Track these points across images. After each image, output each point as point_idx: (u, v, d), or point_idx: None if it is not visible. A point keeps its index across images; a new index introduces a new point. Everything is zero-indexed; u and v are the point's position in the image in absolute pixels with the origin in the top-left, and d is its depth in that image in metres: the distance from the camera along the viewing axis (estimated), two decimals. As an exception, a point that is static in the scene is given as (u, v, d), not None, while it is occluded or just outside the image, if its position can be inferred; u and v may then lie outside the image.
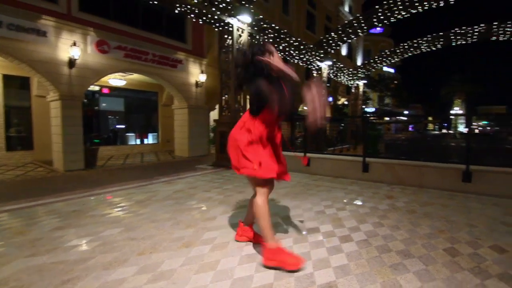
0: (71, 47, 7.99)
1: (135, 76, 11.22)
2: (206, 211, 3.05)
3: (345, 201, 3.48)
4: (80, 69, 8.32)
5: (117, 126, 12.75)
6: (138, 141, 13.34)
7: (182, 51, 11.21)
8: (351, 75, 14.30)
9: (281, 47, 8.68)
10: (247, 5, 5.93)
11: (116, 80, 11.19)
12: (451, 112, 43.87)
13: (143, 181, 4.67)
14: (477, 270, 1.81)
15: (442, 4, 7.85)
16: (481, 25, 10.74)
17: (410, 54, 13.07)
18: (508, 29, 10.32)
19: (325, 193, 3.88)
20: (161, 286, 1.63)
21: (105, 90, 11.85)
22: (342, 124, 14.66)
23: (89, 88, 9.60)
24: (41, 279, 1.70)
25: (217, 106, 13.65)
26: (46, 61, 7.63)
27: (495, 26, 10.42)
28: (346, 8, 25.27)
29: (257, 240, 2.18)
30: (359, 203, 3.40)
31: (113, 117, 12.68)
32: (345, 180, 4.76)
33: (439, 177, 4.11)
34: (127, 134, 12.97)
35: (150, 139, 13.78)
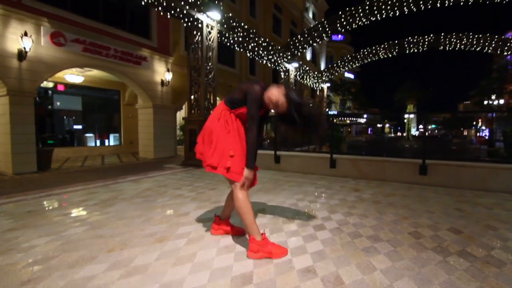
0: (21, 38, 7.28)
1: (95, 72, 10.54)
2: (179, 207, 2.96)
3: (315, 194, 3.59)
4: (31, 63, 7.61)
5: (74, 127, 11.86)
6: (98, 143, 12.52)
7: (147, 48, 10.78)
8: (316, 78, 14.84)
9: (250, 47, 8.75)
10: (216, 2, 5.89)
11: (73, 76, 10.40)
12: (405, 116, 47.38)
13: (107, 180, 4.40)
14: (439, 249, 1.97)
15: (398, 13, 8.50)
16: (431, 35, 11.82)
17: (369, 60, 13.95)
18: (453, 40, 11.46)
19: (296, 188, 3.97)
20: (136, 280, 1.54)
21: (60, 87, 10.96)
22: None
23: (42, 85, 8.84)
24: (-4, 281, 1.52)
25: (184, 106, 13.36)
26: (-9, 52, 6.88)
27: (442, 37, 11.51)
28: (310, 15, 26.26)
29: (235, 232, 2.17)
30: (329, 196, 3.53)
31: (69, 116, 11.77)
32: (314, 176, 4.91)
33: (399, 171, 4.42)
34: (86, 135, 12.12)
35: (111, 141, 13.01)
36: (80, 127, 11.98)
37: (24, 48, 7.34)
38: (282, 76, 11.87)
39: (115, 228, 2.32)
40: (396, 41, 12.51)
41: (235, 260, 1.78)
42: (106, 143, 12.83)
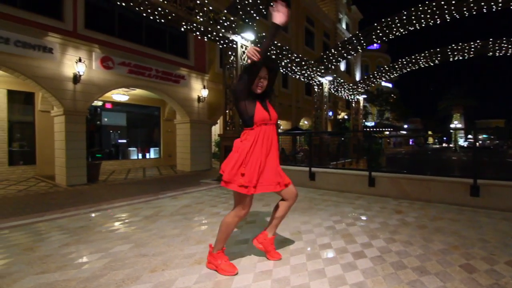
0: (76, 63, 8.11)
1: (138, 91, 11.34)
2: (215, 227, 3.01)
3: (354, 216, 3.45)
4: (84, 85, 8.42)
5: (119, 141, 12.76)
6: (140, 156, 13.32)
7: (185, 67, 11.39)
8: (351, 90, 14.49)
9: (283, 63, 8.84)
10: (250, 23, 6.10)
11: (120, 95, 11.30)
12: (451, 126, 44.13)
13: (149, 196, 4.64)
14: (496, 287, 1.78)
15: (438, 21, 8.08)
16: (477, 41, 11.02)
17: (408, 69, 13.32)
18: (504, 45, 10.57)
19: (332, 208, 3.85)
20: (178, 305, 1.60)
21: (108, 105, 11.94)
22: (343, 138, 14.73)
23: (93, 104, 9.68)
24: (54, 297, 1.67)
25: (219, 121, 13.77)
26: (52, 77, 7.74)
27: (490, 43, 10.68)
28: (344, 25, 25.94)
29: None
30: (369, 218, 3.37)
31: (115, 131, 12.72)
32: (351, 195, 4.74)
33: (447, 192, 4.10)
34: (129, 148, 12.97)
35: (152, 154, 13.77)
36: (124, 141, 12.85)
37: (79, 72, 8.15)
38: (316, 89, 11.77)
39: (156, 247, 2.43)
40: (438, 49, 11.84)
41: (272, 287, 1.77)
42: (147, 156, 13.59)
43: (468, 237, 2.69)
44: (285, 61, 8.75)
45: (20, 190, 7.32)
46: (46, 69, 7.65)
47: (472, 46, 11.15)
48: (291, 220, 3.22)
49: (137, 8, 4.97)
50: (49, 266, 2.07)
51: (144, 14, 5.14)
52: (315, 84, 11.61)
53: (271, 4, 2.10)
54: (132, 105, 12.63)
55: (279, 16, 1.95)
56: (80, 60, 8.20)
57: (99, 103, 11.43)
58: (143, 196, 4.63)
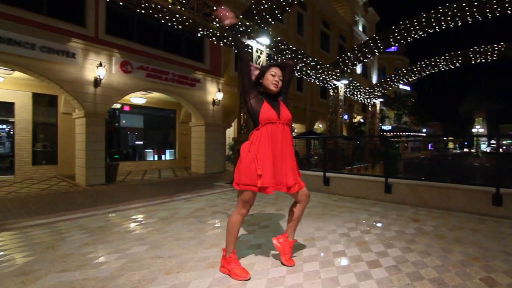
0: (97, 68, 8.41)
1: (155, 94, 11.61)
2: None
3: (369, 223, 3.39)
4: (104, 88, 8.71)
5: (136, 142, 13.09)
6: (156, 157, 13.60)
7: (200, 71, 11.57)
8: (367, 94, 14.26)
9: (298, 67, 8.83)
10: (265, 28, 6.14)
11: (137, 98, 11.61)
12: (473, 130, 42.54)
13: (164, 198, 4.74)
14: (520, 302, 1.70)
15: (460, 23, 7.84)
16: (501, 43, 10.60)
17: (427, 72, 12.97)
18: (530, 47, 10.11)
19: (347, 214, 3.80)
20: (191, 308, 1.63)
21: (126, 108, 12.29)
22: (358, 142, 14.51)
23: (112, 106, 9.99)
24: (74, 296, 1.73)
25: (233, 124, 13.88)
26: (74, 80, 8.06)
27: (516, 45, 10.24)
28: (360, 28, 25.60)
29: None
30: (384, 226, 3.31)
31: (132, 133, 13.07)
32: (367, 201, 4.65)
33: (467, 200, 3.96)
34: (146, 150, 13.27)
35: (167, 155, 14.03)
36: (141, 143, 13.17)
37: (99, 76, 8.44)
38: (331, 93, 11.66)
39: (172, 249, 2.48)
40: (459, 51, 11.47)
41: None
42: (163, 158, 13.86)
43: (490, 248, 2.59)
44: (300, 65, 8.73)
45: (42, 189, 7.64)
46: (69, 73, 7.97)
47: (496, 48, 10.74)
48: (304, 226, 3.20)
49: (155, 15, 5.12)
50: (70, 265, 2.15)
51: (163, 21, 5.28)
52: (330, 87, 11.51)
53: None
54: (149, 107, 12.94)
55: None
56: (100, 64, 8.49)
57: (118, 106, 11.78)
58: (159, 198, 4.73)
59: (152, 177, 10.40)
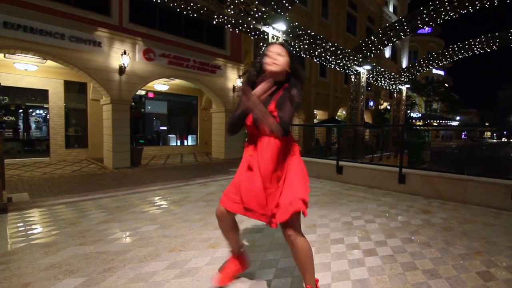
0: (121, 56, 8.75)
1: (177, 81, 11.89)
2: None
3: (376, 213, 3.39)
4: (129, 76, 9.07)
5: (160, 128, 13.60)
6: (179, 143, 14.08)
7: (221, 57, 11.63)
8: (393, 79, 13.62)
9: (316, 53, 8.62)
10: (282, 13, 6.03)
11: (160, 85, 11.97)
12: (512, 119, 39.45)
13: (180, 181, 4.99)
14: (512, 297, 1.69)
15: (496, 3, 7.20)
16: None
17: (460, 56, 12.12)
18: None
19: (356, 203, 3.80)
20: (186, 282, 1.78)
21: (150, 94, 12.73)
22: (381, 130, 14.03)
23: (137, 93, 10.40)
24: (87, 266, 1.96)
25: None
26: (100, 68, 8.46)
27: None
28: (391, 8, 24.16)
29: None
30: (391, 216, 3.29)
31: (156, 119, 13.57)
32: (379, 191, 4.60)
33: (484, 193, 3.80)
34: (169, 135, 13.77)
35: (189, 141, 14.47)
36: (165, 128, 13.66)
37: (124, 64, 8.77)
38: (353, 79, 11.29)
39: (178, 230, 2.67)
40: (497, 33, 10.58)
41: (275, 277, 1.87)
42: (185, 143, 14.32)
43: (497, 243, 2.52)
44: (319, 50, 8.51)
45: (74, 171, 8.25)
46: (96, 62, 8.37)
47: (540, 29, 9.79)
48: (309, 213, 3.25)
49: (171, 4, 5.21)
50: (87, 240, 2.40)
51: (178, 10, 5.37)
52: (352, 73, 11.14)
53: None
54: (172, 94, 13.30)
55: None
56: (125, 52, 8.81)
57: (143, 92, 12.23)
58: (175, 182, 4.98)
59: (174, 161, 10.83)
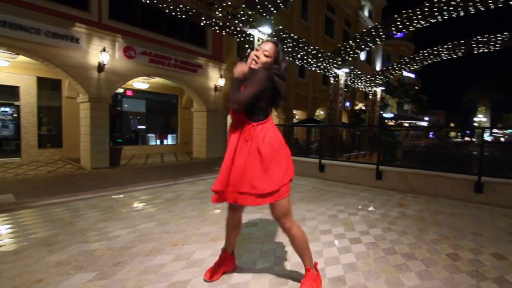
0: (100, 53, 8.54)
1: (158, 79, 11.74)
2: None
3: (357, 207, 3.68)
4: (108, 73, 8.87)
5: (139, 127, 13.34)
6: (158, 142, 13.89)
7: (203, 56, 11.65)
8: (368, 82, 14.32)
9: (299, 56, 8.92)
10: (267, 17, 6.23)
11: (140, 83, 11.76)
12: (475, 119, 42.50)
13: (169, 181, 5.04)
14: (474, 273, 2.00)
15: (462, 14, 7.87)
16: (504, 33, 10.58)
17: (430, 61, 12.99)
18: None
19: (338, 199, 4.09)
20: (195, 271, 1.93)
21: (129, 93, 12.46)
22: (358, 132, 14.72)
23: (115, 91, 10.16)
24: (96, 261, 2.04)
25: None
26: (78, 65, 8.20)
27: (518, 35, 10.24)
28: (366, 13, 25.17)
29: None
30: (371, 209, 3.60)
31: (135, 118, 13.29)
32: (358, 187, 4.94)
33: (452, 187, 4.23)
34: (148, 134, 13.55)
35: (169, 140, 14.32)
36: (143, 127, 13.42)
37: (103, 61, 8.58)
38: (332, 81, 11.76)
39: (177, 226, 2.78)
40: (462, 41, 11.46)
41: (274, 264, 2.07)
42: (165, 143, 14.15)
43: (463, 230, 2.88)
44: (301, 53, 8.82)
45: (49, 171, 7.97)
46: (73, 58, 8.12)
47: (499, 38, 10.74)
48: (298, 208, 3.50)
49: (160, 5, 5.24)
50: (88, 238, 2.46)
51: (167, 11, 5.40)
52: (331, 76, 11.60)
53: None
54: (152, 92, 13.10)
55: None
56: (104, 49, 8.62)
57: (121, 90, 11.94)
58: (164, 180, 5.04)
59: (155, 161, 10.72)
